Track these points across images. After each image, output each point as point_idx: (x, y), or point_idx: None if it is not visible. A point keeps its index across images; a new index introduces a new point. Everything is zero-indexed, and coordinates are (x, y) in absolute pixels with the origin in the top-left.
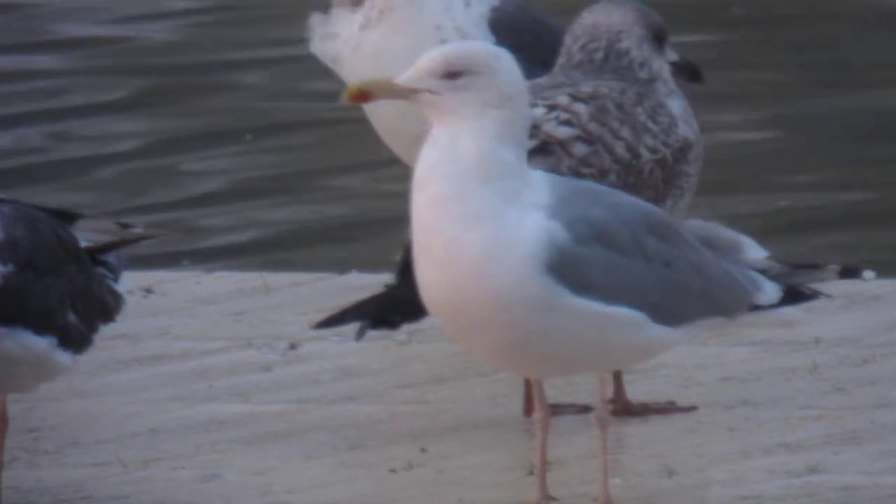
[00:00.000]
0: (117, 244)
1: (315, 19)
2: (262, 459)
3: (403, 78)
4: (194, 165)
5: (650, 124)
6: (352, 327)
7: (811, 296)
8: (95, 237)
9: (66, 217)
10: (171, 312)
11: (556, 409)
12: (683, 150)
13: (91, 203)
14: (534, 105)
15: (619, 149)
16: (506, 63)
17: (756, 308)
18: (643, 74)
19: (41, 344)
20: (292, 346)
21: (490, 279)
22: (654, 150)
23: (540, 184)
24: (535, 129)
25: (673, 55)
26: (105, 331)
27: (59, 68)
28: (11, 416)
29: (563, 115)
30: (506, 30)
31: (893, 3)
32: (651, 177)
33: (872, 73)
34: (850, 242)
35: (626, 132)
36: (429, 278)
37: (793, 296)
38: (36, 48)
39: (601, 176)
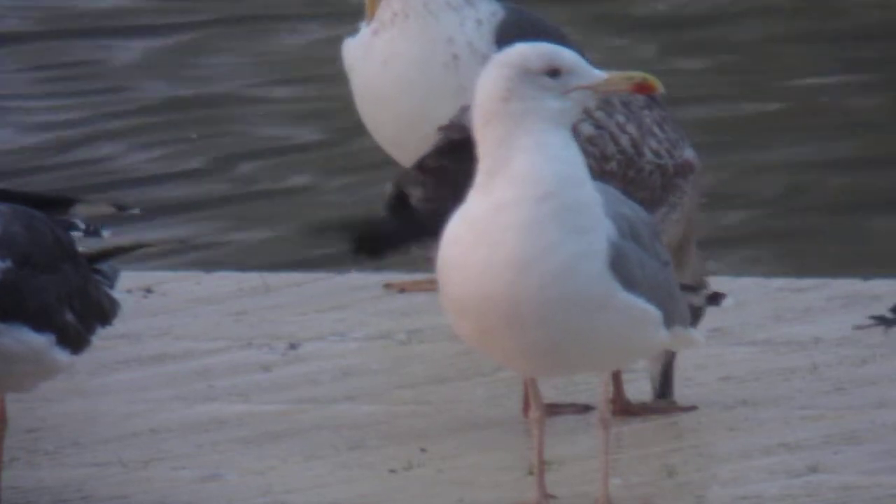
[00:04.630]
0: (112, 252)
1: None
2: (262, 459)
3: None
4: None
5: (656, 129)
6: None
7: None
8: (93, 221)
9: (64, 202)
10: (171, 312)
11: (556, 409)
12: (685, 168)
13: None
14: None
15: (624, 141)
16: None
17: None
18: None
19: (40, 341)
20: (292, 346)
21: (573, 280)
22: (657, 154)
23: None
24: None
25: None
26: (105, 331)
27: None
28: (11, 415)
29: None
30: (508, 39)
31: None
32: (650, 178)
33: None
34: None
35: (631, 128)
36: (494, 285)
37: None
38: None
39: (603, 160)
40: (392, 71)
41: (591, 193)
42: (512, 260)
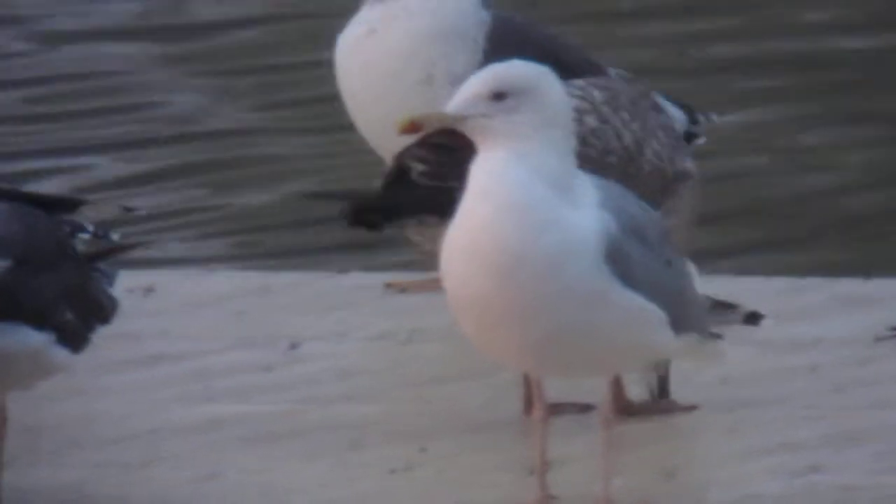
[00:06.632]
0: (110, 252)
1: None
2: (262, 460)
3: (453, 106)
4: None
5: (659, 133)
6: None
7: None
8: (98, 225)
9: (69, 204)
10: (171, 312)
11: (557, 409)
12: (684, 175)
13: None
14: None
15: (627, 138)
16: (551, 79)
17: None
18: None
19: (39, 339)
20: (292, 347)
21: (558, 277)
22: (658, 156)
23: (585, 178)
24: None
25: None
26: (105, 331)
27: None
28: (11, 415)
29: (578, 93)
30: (489, 45)
31: None
32: (650, 178)
33: None
34: None
35: (635, 126)
36: (484, 287)
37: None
38: None
39: (604, 154)
40: (367, 78)
41: (544, 193)
42: (487, 265)
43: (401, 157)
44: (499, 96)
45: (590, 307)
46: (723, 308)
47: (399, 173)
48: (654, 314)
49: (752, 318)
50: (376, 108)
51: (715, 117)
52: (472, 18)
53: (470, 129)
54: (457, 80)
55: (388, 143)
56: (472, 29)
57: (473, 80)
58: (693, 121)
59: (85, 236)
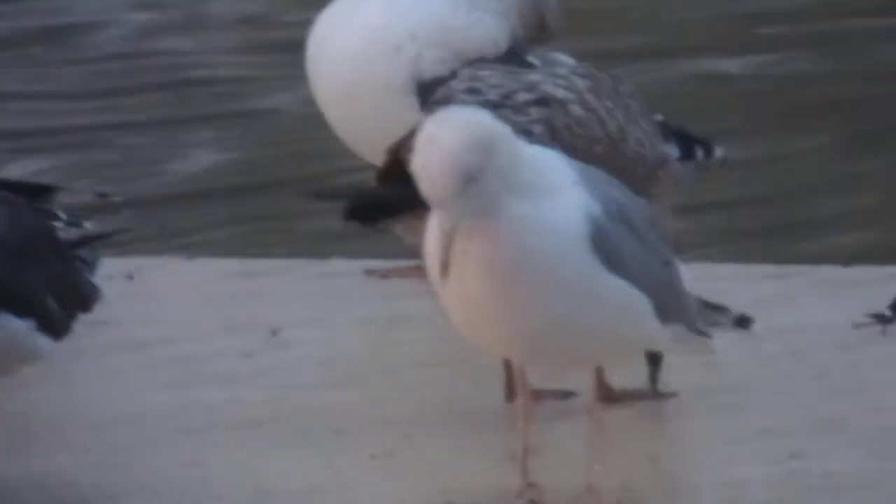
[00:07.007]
0: (92, 238)
1: None
2: (245, 445)
3: (445, 220)
4: None
5: (640, 120)
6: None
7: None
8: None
9: (44, 190)
10: (152, 298)
11: (538, 395)
12: (664, 162)
13: None
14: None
15: (612, 126)
16: (482, 116)
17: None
18: None
19: (21, 327)
20: (274, 333)
21: (549, 268)
22: (640, 143)
23: (560, 162)
24: (532, 87)
25: None
26: (86, 317)
27: None
28: None
29: (562, 82)
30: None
31: None
32: (634, 166)
33: None
34: None
35: (619, 114)
36: (473, 282)
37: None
38: None
39: (590, 143)
40: (333, 71)
41: (526, 200)
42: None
43: (396, 152)
44: (472, 180)
45: (577, 294)
46: (712, 310)
47: (394, 167)
48: (640, 302)
49: (742, 322)
50: (346, 70)
51: (719, 152)
52: (477, 43)
53: (465, 221)
54: (420, 68)
55: (375, 134)
56: (465, 46)
57: (445, 188)
58: (689, 155)
59: (58, 225)
